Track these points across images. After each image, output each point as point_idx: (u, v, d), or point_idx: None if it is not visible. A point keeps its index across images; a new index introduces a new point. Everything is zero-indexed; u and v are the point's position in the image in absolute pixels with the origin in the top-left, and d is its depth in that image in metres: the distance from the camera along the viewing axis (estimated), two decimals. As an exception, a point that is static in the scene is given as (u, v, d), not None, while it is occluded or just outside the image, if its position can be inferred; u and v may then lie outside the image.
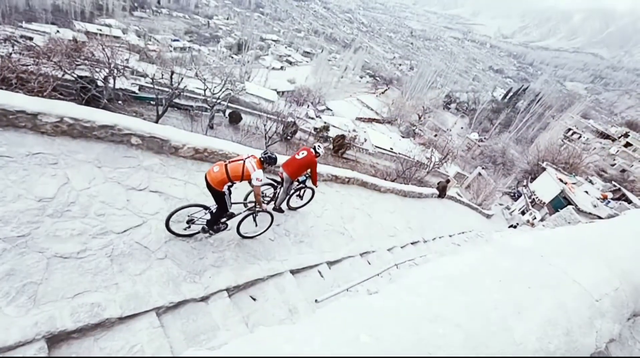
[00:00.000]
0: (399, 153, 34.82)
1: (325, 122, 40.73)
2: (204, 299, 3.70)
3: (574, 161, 35.23)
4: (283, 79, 71.34)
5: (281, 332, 0.92)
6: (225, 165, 3.84)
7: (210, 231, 4.22)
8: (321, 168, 7.28)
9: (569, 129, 67.67)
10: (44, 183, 3.44)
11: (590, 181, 30.61)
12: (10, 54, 13.88)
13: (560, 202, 23.73)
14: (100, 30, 53.54)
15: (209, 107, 24.97)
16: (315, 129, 36.33)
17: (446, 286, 1.12)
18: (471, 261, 1.29)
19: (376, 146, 43.01)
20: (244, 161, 3.87)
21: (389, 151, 42.32)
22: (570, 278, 1.24)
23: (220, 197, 3.93)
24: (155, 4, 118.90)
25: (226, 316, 3.69)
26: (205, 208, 4.06)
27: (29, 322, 2.55)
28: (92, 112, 4.20)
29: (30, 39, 24.02)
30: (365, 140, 43.86)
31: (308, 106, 53.68)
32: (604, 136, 66.68)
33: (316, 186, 5.58)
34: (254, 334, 1.01)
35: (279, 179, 5.26)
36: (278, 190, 5.32)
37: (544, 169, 29.83)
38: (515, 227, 19.48)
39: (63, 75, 15.09)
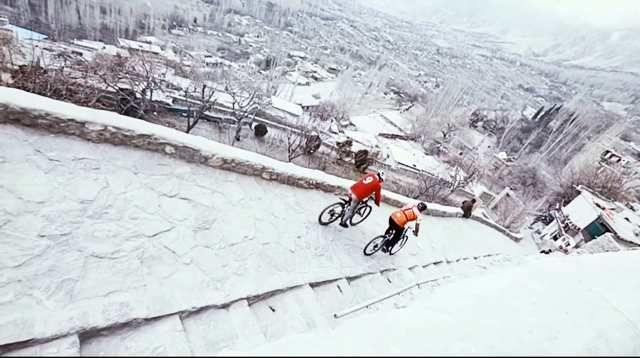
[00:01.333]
0: (422, 170, 34.22)
1: (348, 137, 40.92)
2: (224, 306, 3.76)
3: (612, 185, 33.00)
4: (308, 94, 72.95)
5: (308, 339, 0.95)
6: (404, 211, 6.10)
7: (388, 251, 6.71)
8: (342, 181, 7.32)
9: (607, 152, 63.84)
10: (86, 186, 3.69)
11: (632, 208, 28.50)
12: (63, 67, 15.19)
13: (597, 228, 22.23)
14: (141, 46, 57.57)
15: (236, 119, 25.90)
16: (338, 143, 36.54)
17: (475, 306, 1.10)
18: (501, 283, 1.25)
19: (399, 163, 42.53)
20: (412, 209, 6.18)
21: (412, 167, 41.69)
22: (611, 305, 1.16)
23: (400, 231, 6.20)
24: (192, 22, 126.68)
25: (245, 325, 3.72)
26: (383, 237, 6.30)
27: (65, 316, 2.70)
28: (132, 122, 4.50)
29: (80, 54, 26.22)
30: (388, 156, 43.52)
31: (332, 120, 54.29)
32: (647, 159, 62.30)
33: (378, 206, 6.48)
34: (281, 340, 1.04)
35: (347, 199, 6.15)
36: (345, 208, 6.16)
37: (579, 192, 28.19)
38: (547, 253, 18.37)
39: (107, 87, 16.31)
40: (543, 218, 31.41)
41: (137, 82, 20.26)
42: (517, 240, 18.67)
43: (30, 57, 14.66)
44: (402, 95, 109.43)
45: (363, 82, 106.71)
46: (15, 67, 14.05)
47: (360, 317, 1.27)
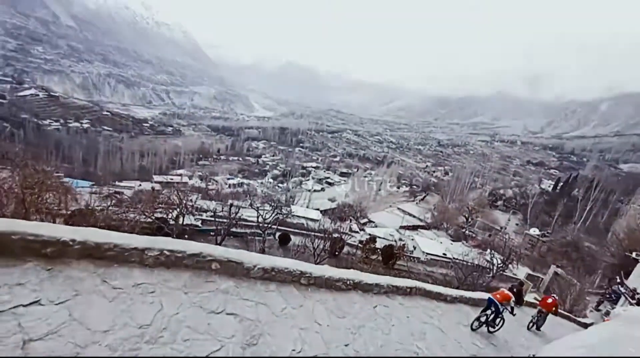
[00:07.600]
0: (454, 258, 32.30)
1: (369, 235, 40.59)
2: None
3: (669, 247, 29.77)
4: (324, 198, 76.27)
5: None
6: (499, 292, 7.89)
7: (490, 328, 7.87)
8: (380, 278, 7.18)
9: (648, 212, 59.73)
10: (144, 311, 3.91)
11: None
12: (109, 206, 17.18)
13: (679, 300, 19.08)
14: (172, 179, 64.74)
15: (261, 232, 26.77)
16: (360, 242, 36.07)
17: (589, 353, 1.19)
18: (604, 333, 1.34)
19: (427, 253, 40.63)
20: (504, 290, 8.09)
21: (442, 256, 39.55)
22: None
23: (498, 310, 7.77)
24: (216, 153, 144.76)
25: None
26: (484, 313, 7.92)
27: None
28: (183, 243, 4.99)
29: (122, 193, 29.69)
30: (415, 248, 41.98)
31: (350, 220, 54.88)
32: (697, 215, 57.38)
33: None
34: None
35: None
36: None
37: (637, 260, 25.37)
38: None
39: (145, 218, 17.99)
40: (608, 295, 27.45)
41: (170, 210, 22.17)
42: (586, 325, 16.02)
43: (83, 202, 16.81)
44: (415, 186, 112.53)
45: (374, 181, 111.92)
46: (69, 212, 15.97)
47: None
